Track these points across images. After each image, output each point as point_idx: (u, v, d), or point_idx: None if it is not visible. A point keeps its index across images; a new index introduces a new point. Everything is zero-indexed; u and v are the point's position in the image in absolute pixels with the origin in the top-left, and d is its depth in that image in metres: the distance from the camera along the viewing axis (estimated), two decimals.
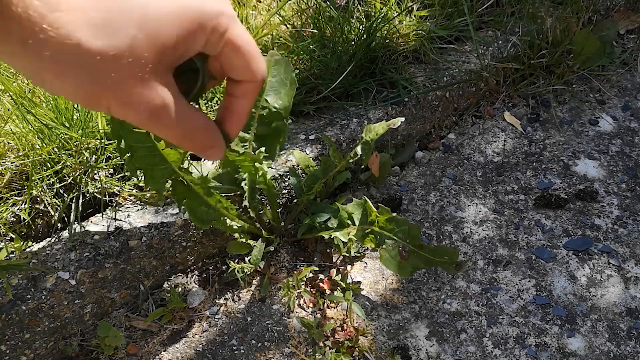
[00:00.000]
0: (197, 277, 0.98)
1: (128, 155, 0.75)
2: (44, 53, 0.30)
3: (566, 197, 1.13)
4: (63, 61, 0.31)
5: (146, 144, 0.75)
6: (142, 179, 0.83)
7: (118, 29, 0.32)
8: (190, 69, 0.39)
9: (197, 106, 0.42)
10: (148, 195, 0.95)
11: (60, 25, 0.30)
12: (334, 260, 1.01)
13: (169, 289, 0.94)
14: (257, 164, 0.86)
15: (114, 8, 0.32)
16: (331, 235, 0.95)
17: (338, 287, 0.97)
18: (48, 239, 0.88)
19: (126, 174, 0.95)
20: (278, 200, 1.03)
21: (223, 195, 0.95)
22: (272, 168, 1.02)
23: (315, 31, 1.16)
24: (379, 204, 0.87)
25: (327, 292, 0.96)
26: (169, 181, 0.82)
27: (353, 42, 1.15)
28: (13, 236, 0.86)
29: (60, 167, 0.89)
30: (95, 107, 0.35)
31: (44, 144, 0.88)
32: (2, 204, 0.87)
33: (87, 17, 0.31)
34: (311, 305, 0.95)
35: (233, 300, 0.96)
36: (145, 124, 0.36)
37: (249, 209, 0.97)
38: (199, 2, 0.35)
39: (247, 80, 0.41)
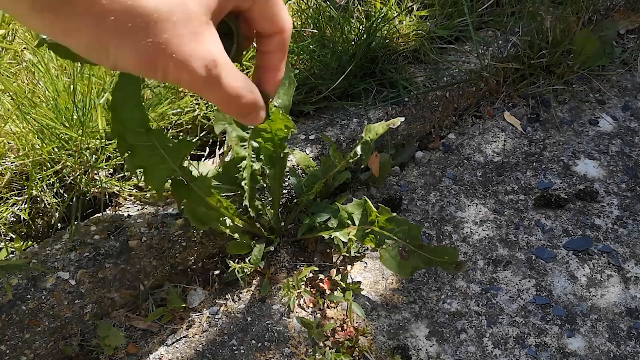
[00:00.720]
0: (197, 277, 0.98)
1: (128, 153, 0.75)
2: (109, 19, 0.31)
3: (566, 197, 1.13)
4: (123, 26, 0.32)
5: (146, 143, 0.75)
6: (142, 178, 0.83)
7: None
8: (222, 33, 0.40)
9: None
10: (148, 195, 0.95)
11: None
12: (334, 260, 1.01)
13: (169, 289, 0.94)
14: (287, 125, 0.84)
15: None
16: (331, 235, 0.95)
17: (338, 287, 0.97)
18: (48, 239, 0.88)
19: (126, 173, 0.95)
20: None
21: (223, 195, 0.95)
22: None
23: (315, 31, 1.16)
24: (379, 204, 0.87)
25: (327, 292, 0.96)
26: (169, 180, 0.81)
27: (353, 42, 1.15)
28: (13, 236, 0.86)
29: (60, 167, 0.89)
30: (152, 73, 0.35)
31: (44, 144, 0.88)
32: (2, 204, 0.87)
33: None
34: (311, 305, 0.95)
35: (233, 300, 0.96)
36: (198, 82, 0.36)
37: (249, 209, 0.97)
38: None
39: (277, 32, 0.42)
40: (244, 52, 0.43)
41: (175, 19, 0.33)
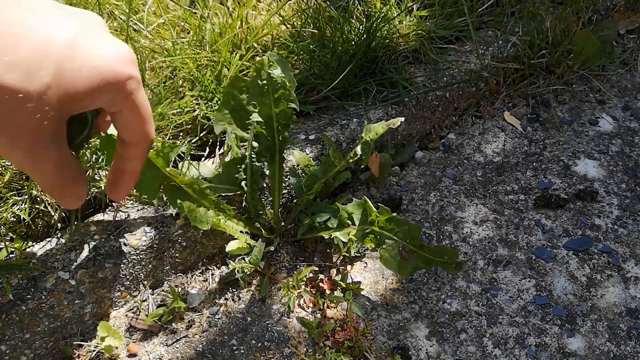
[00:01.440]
0: (197, 277, 0.98)
1: None
2: None
3: (566, 197, 1.13)
4: None
5: None
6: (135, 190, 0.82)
7: (34, 72, 0.32)
8: (78, 117, 0.41)
9: (75, 154, 0.43)
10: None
11: None
12: (334, 260, 1.01)
13: (169, 289, 0.94)
14: None
15: (32, 53, 0.32)
16: (331, 235, 0.95)
17: (338, 287, 0.97)
18: (48, 239, 0.88)
19: None
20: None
21: (223, 195, 0.95)
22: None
23: (315, 31, 1.16)
24: (379, 204, 0.87)
25: (327, 292, 0.96)
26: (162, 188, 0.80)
27: (353, 42, 1.15)
28: (13, 236, 0.86)
29: None
30: None
31: None
32: (2, 204, 0.87)
33: (5, 53, 0.31)
34: (311, 305, 0.95)
35: (233, 300, 0.96)
36: (24, 166, 0.37)
37: (249, 209, 0.97)
38: (112, 64, 0.36)
39: (138, 143, 0.43)
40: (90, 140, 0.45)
41: (28, 105, 0.32)
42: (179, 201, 0.82)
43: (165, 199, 0.81)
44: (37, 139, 0.35)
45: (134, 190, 0.86)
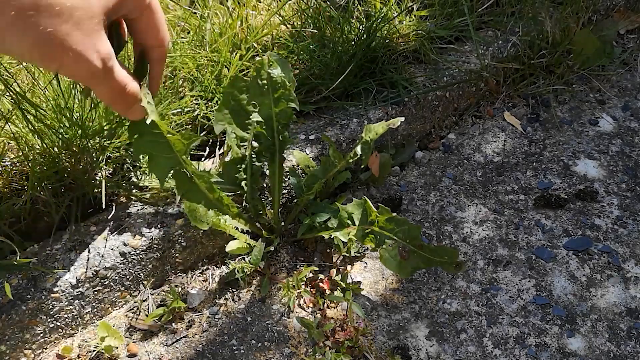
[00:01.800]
0: (197, 277, 0.98)
1: (136, 137, 0.74)
2: (9, 13, 0.33)
3: (566, 197, 1.13)
4: (24, 18, 0.34)
5: (153, 130, 0.74)
6: (146, 169, 0.82)
7: None
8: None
9: None
10: (148, 195, 0.95)
11: None
12: (334, 260, 1.01)
13: (169, 289, 0.94)
14: None
15: None
16: (331, 235, 0.95)
17: (338, 287, 0.97)
18: (48, 239, 0.88)
19: (126, 174, 0.95)
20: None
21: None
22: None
23: (315, 31, 1.16)
24: (379, 204, 0.87)
25: (327, 292, 0.96)
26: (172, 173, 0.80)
27: (353, 42, 1.15)
28: (13, 236, 0.86)
29: (60, 167, 0.89)
30: (48, 64, 0.37)
31: (44, 144, 0.88)
32: (2, 204, 0.87)
33: None
34: (311, 305, 0.95)
35: (233, 300, 0.96)
36: (95, 74, 0.39)
37: (249, 209, 0.97)
38: None
39: (159, 44, 0.47)
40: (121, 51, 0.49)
41: (78, 14, 0.36)
42: (184, 193, 0.81)
43: (172, 186, 0.81)
44: (101, 49, 0.38)
45: (147, 170, 0.87)
